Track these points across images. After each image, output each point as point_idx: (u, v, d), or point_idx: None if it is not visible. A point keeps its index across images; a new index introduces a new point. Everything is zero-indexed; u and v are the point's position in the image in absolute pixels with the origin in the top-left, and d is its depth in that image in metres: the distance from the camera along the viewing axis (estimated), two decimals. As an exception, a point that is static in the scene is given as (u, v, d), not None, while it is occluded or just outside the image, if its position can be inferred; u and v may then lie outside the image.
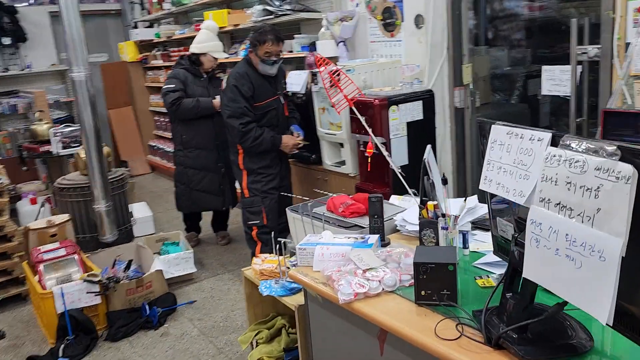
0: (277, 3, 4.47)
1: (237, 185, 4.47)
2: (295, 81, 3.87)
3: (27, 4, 7.74)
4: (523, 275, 1.18)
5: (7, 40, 7.55)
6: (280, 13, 4.34)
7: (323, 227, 2.02)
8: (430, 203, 1.72)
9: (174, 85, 4.09)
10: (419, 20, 3.56)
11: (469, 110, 3.75)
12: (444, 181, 1.63)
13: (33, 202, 5.28)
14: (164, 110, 7.33)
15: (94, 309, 3.16)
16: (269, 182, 3.49)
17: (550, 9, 4.07)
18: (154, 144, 7.65)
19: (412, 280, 1.57)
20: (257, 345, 2.30)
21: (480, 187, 1.35)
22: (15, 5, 7.60)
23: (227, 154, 4.36)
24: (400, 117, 3.18)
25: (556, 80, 3.06)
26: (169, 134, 7.35)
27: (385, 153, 1.87)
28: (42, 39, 7.84)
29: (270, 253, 3.54)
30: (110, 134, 7.81)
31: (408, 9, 3.59)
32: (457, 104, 3.69)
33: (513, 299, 1.25)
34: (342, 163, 3.63)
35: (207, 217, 4.77)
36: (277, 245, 2.20)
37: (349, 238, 1.80)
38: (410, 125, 3.25)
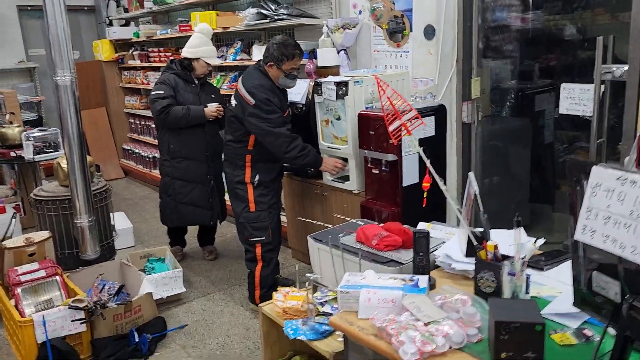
0: (273, 7, 4.25)
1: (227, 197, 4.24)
2: (295, 90, 3.66)
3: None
4: (646, 349, 1.01)
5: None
6: (276, 17, 4.12)
7: (359, 264, 1.82)
8: (490, 244, 1.54)
9: (163, 92, 3.82)
10: (429, 31, 3.40)
11: (475, 125, 3.62)
12: (518, 223, 1.46)
13: (1, 211, 4.90)
14: (139, 112, 7.03)
15: (77, 337, 2.87)
16: (274, 196, 3.32)
17: (563, 21, 3.97)
18: (128, 147, 7.29)
19: (480, 335, 1.39)
20: (275, 390, 2.09)
21: (576, 237, 1.18)
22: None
23: (217, 166, 4.12)
24: (413, 133, 3.00)
25: (576, 99, 2.94)
26: (144, 137, 7.02)
27: (443, 188, 1.68)
28: (9, 34, 7.39)
29: (271, 274, 3.35)
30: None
31: (418, 19, 3.42)
32: (465, 119, 3.55)
33: (625, 371, 1.08)
34: (346, 179, 3.44)
35: (192, 229, 4.50)
36: (303, 281, 1.98)
37: (395, 279, 1.60)
38: (422, 141, 3.08)
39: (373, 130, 3.05)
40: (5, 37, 7.31)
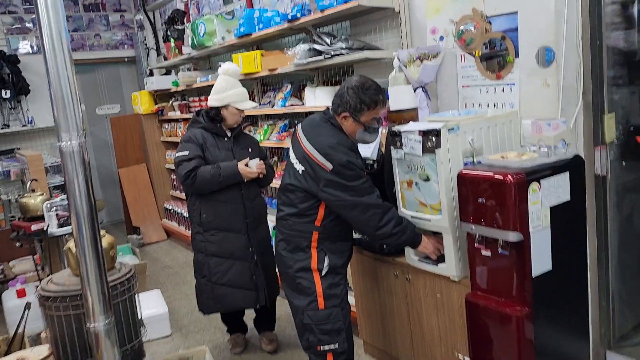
0: (328, 40, 3.49)
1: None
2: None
3: (30, 52, 6.94)
4: None
5: (7, 93, 6.70)
6: (333, 53, 3.34)
7: None
8: None
9: (188, 152, 3.09)
10: (544, 55, 2.51)
11: (610, 177, 2.67)
12: None
13: (20, 294, 4.25)
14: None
15: None
16: (345, 285, 2.53)
17: None
18: (169, 207, 6.64)
19: None
20: None
21: None
22: (18, 54, 6.80)
23: (260, 234, 3.31)
24: (542, 200, 2.10)
25: None
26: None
27: None
28: (47, 91, 6.98)
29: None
30: (121, 196, 6.83)
31: (526, 40, 2.55)
32: (597, 170, 2.61)
33: None
34: (440, 259, 2.53)
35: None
36: None
37: None
38: (554, 210, 2.16)
39: (483, 196, 2.15)
40: (43, 94, 6.90)
